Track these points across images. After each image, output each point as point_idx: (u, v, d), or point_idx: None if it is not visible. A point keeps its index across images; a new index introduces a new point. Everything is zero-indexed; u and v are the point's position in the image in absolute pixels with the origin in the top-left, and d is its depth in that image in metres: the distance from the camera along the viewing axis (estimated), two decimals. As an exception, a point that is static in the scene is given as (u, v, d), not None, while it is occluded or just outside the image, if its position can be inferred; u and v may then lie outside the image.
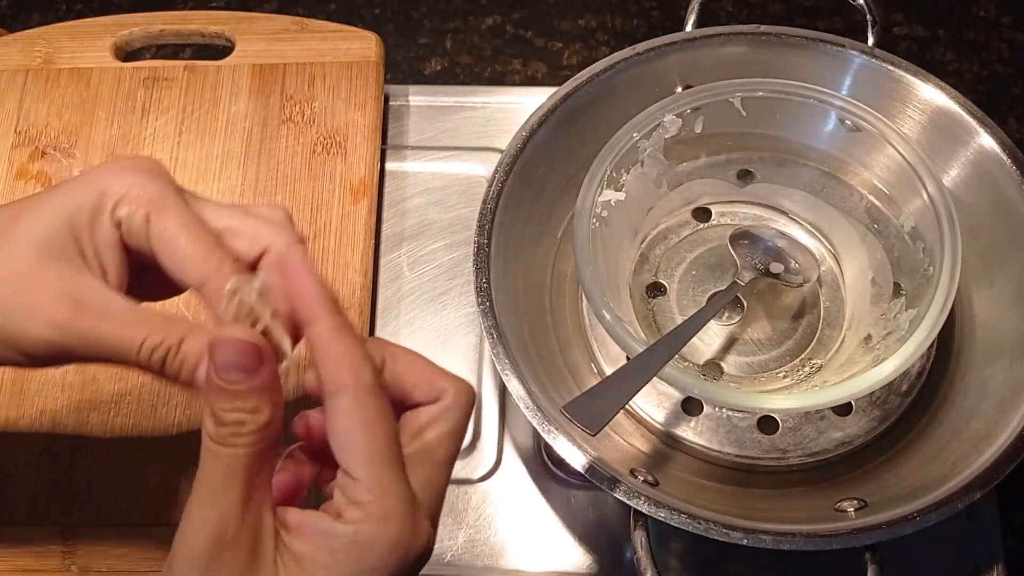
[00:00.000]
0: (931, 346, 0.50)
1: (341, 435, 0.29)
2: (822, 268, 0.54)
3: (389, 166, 0.60)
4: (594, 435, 0.35)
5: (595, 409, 0.34)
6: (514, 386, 0.45)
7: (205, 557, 0.28)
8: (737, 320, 0.53)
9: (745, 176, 0.55)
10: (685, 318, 0.53)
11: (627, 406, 0.51)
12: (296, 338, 0.31)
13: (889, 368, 0.42)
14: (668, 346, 0.43)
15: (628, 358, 0.51)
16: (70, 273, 0.31)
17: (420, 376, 0.32)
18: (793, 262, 0.52)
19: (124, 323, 0.31)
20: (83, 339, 0.31)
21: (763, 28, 0.53)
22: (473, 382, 0.54)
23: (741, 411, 0.50)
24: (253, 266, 0.33)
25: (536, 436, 0.52)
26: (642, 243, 0.55)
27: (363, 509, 0.28)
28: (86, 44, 0.60)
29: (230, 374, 0.28)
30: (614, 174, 0.48)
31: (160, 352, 0.31)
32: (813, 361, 0.51)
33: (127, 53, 0.61)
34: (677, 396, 0.50)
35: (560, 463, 0.52)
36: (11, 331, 0.31)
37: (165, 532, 0.48)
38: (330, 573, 0.28)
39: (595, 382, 0.52)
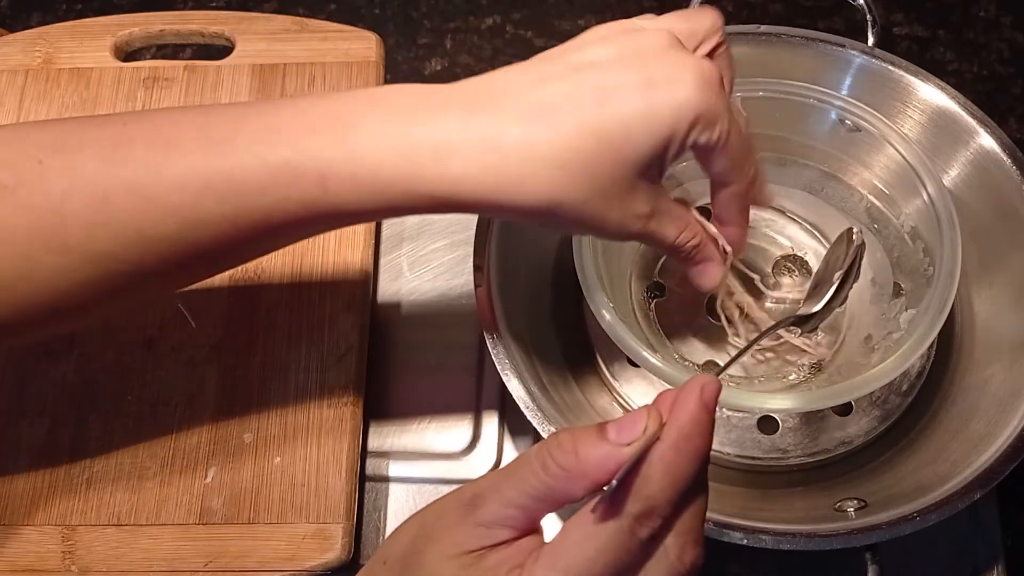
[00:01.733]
0: (931, 346, 0.50)
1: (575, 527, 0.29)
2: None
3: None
4: None
5: None
6: (514, 386, 0.45)
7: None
8: (737, 319, 0.52)
9: (745, 176, 0.55)
10: (685, 318, 0.53)
11: (627, 405, 0.51)
12: None
13: (889, 368, 0.42)
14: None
15: (628, 358, 0.51)
16: (653, 188, 0.37)
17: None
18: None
19: (676, 223, 0.40)
20: (648, 233, 0.38)
21: (763, 28, 0.53)
22: (473, 382, 0.54)
23: (741, 411, 0.50)
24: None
25: (536, 436, 0.52)
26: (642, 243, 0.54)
27: None
28: (86, 44, 0.60)
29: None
30: (614, 174, 0.48)
31: (690, 244, 0.41)
32: (813, 361, 0.51)
33: (127, 53, 0.61)
34: (677, 396, 0.50)
35: (560, 463, 0.52)
36: (607, 223, 0.37)
37: (165, 532, 0.48)
38: None
39: (595, 382, 0.52)
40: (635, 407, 0.50)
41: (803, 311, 0.46)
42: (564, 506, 0.30)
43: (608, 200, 0.36)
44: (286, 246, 0.38)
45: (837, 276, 0.45)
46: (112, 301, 0.37)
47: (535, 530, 0.31)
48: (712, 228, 0.43)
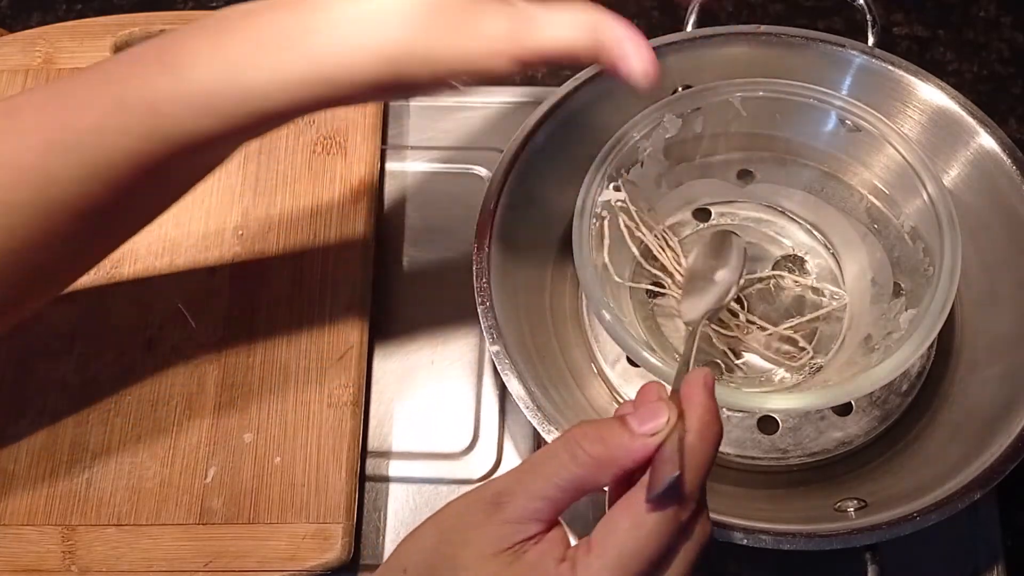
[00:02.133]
0: (931, 346, 0.50)
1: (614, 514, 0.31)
2: (817, 270, 0.54)
3: (389, 166, 0.60)
4: None
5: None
6: (514, 386, 0.45)
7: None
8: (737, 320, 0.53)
9: (745, 176, 0.55)
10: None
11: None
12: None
13: (889, 368, 0.42)
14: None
15: (628, 358, 0.51)
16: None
17: None
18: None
19: (560, 22, 0.35)
20: (527, 53, 0.34)
21: (763, 28, 0.53)
22: (473, 382, 0.54)
23: (741, 411, 0.50)
24: None
25: (536, 436, 0.52)
26: (642, 242, 0.54)
27: (559, 571, 0.30)
28: (86, 44, 0.60)
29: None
30: (614, 174, 0.48)
31: (595, 40, 0.35)
32: (813, 361, 0.51)
33: (127, 53, 0.61)
34: (677, 396, 0.50)
35: (560, 463, 0.52)
36: (455, 59, 0.34)
37: (165, 532, 0.48)
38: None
39: (595, 382, 0.52)
40: (635, 407, 0.50)
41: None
42: (587, 495, 0.31)
43: (449, 35, 0.34)
44: (168, 198, 0.39)
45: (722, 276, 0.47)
46: (16, 286, 0.37)
47: (557, 523, 0.32)
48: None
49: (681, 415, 0.31)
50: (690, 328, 0.46)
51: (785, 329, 0.51)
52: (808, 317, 0.52)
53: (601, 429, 0.31)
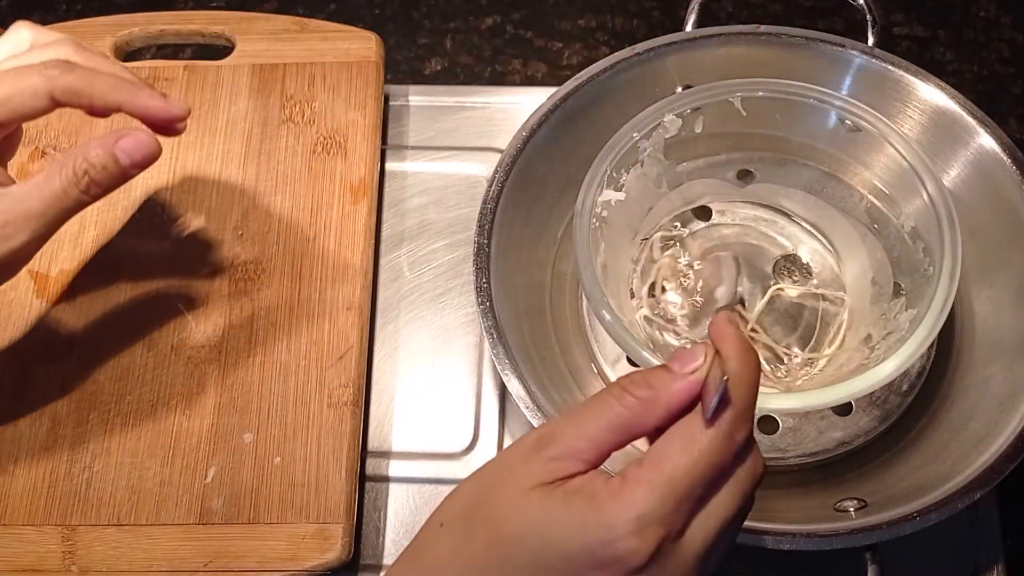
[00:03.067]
0: (931, 346, 0.50)
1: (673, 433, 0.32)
2: (817, 270, 0.54)
3: (389, 166, 0.60)
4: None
5: None
6: (514, 386, 0.45)
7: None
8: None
9: (745, 176, 0.55)
10: (685, 318, 0.53)
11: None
12: None
13: (889, 368, 0.42)
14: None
15: (628, 358, 0.51)
16: None
17: None
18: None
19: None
20: None
21: (763, 28, 0.53)
22: (473, 382, 0.54)
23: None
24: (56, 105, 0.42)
25: (536, 436, 0.52)
26: (642, 243, 0.54)
27: (609, 487, 0.31)
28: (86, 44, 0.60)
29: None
30: (614, 174, 0.48)
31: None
32: (813, 361, 0.51)
33: (127, 53, 0.61)
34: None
35: (560, 463, 0.52)
36: None
37: (165, 532, 0.48)
38: (555, 514, 0.31)
39: (595, 382, 0.52)
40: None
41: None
42: (632, 441, 0.32)
43: None
44: None
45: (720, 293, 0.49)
46: None
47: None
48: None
49: (717, 353, 0.32)
50: None
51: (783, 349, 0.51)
52: (807, 353, 0.52)
53: (646, 374, 0.33)
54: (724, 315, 0.34)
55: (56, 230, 0.42)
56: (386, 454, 0.53)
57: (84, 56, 0.43)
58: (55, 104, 0.41)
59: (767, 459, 0.49)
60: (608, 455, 0.32)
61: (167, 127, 0.43)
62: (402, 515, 0.52)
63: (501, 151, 0.51)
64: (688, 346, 0.39)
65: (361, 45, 0.60)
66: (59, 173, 0.41)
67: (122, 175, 0.42)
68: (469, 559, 0.32)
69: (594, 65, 0.52)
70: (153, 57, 0.64)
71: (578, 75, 0.52)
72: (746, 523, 0.41)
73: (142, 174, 0.56)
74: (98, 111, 0.42)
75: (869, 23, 0.54)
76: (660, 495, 0.30)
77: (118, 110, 0.42)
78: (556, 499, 0.31)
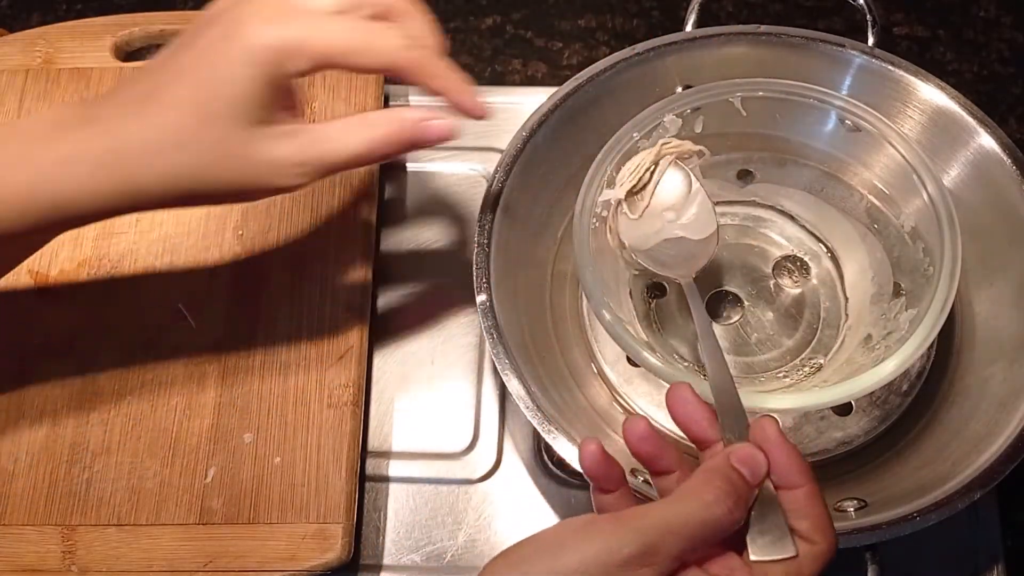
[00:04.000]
0: (931, 346, 0.50)
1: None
2: (817, 270, 0.54)
3: (389, 166, 0.60)
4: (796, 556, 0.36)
5: (773, 535, 0.35)
6: (514, 386, 0.45)
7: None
8: (737, 320, 0.53)
9: (745, 176, 0.55)
10: (685, 318, 0.53)
11: (627, 405, 0.51)
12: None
13: (889, 368, 0.42)
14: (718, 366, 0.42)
15: (628, 358, 0.51)
16: (281, 130, 0.38)
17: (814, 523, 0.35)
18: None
19: (347, 136, 0.39)
20: (319, 168, 0.39)
21: (763, 28, 0.53)
22: (473, 382, 0.54)
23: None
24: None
25: (536, 436, 0.52)
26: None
27: None
28: (86, 44, 0.60)
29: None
30: (614, 174, 0.48)
31: (387, 142, 0.39)
32: (813, 361, 0.51)
33: (127, 53, 0.61)
34: (677, 396, 0.50)
35: (560, 463, 0.52)
36: (250, 181, 0.38)
37: (165, 532, 0.48)
38: None
39: (595, 382, 0.52)
40: (635, 407, 0.50)
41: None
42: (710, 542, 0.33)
43: (231, 162, 0.37)
44: None
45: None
46: None
47: None
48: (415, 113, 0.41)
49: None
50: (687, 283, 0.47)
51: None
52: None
53: (729, 478, 0.34)
54: (772, 431, 0.36)
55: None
56: (386, 454, 0.53)
57: (434, 39, 0.41)
58: (384, 71, 0.40)
59: (767, 459, 0.49)
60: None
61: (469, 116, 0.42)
62: (402, 515, 0.52)
63: (501, 151, 0.51)
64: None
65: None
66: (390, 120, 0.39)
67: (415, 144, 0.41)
68: None
69: (594, 65, 0.52)
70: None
71: (578, 75, 0.52)
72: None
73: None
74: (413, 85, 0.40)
75: (869, 23, 0.54)
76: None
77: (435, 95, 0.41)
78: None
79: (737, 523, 0.33)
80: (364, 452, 0.52)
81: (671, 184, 0.49)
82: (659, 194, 0.49)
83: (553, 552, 0.32)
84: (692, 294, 0.46)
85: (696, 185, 0.49)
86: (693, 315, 0.44)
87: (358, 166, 0.40)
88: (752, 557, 0.33)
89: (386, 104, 0.61)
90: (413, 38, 0.39)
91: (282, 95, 0.38)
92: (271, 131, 0.38)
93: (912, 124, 0.52)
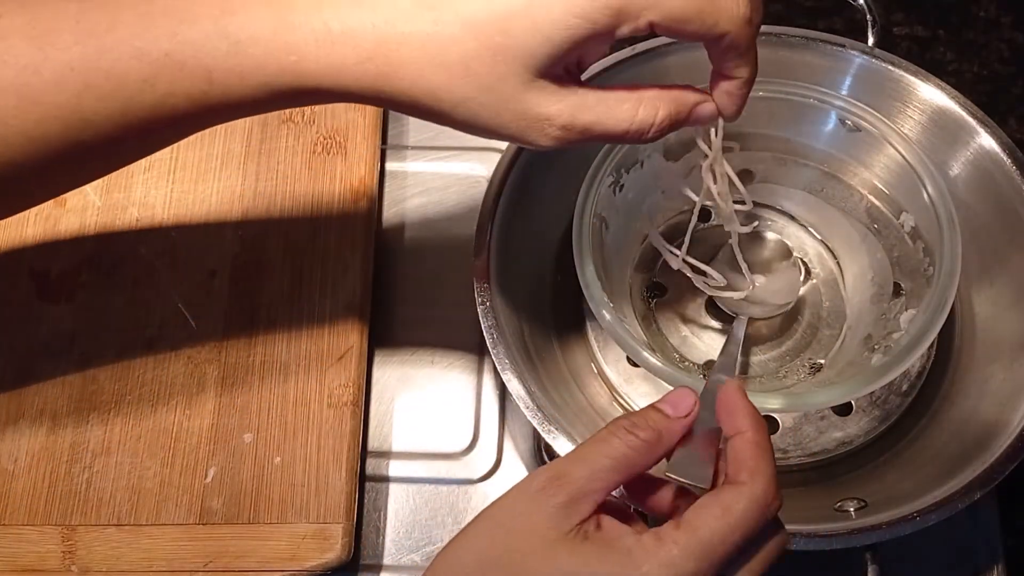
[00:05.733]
0: (931, 346, 0.50)
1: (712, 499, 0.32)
2: (817, 270, 0.54)
3: (389, 166, 0.60)
4: (708, 489, 0.36)
5: (696, 463, 0.35)
6: (514, 386, 0.45)
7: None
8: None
9: (745, 176, 0.55)
10: (685, 319, 0.53)
11: (627, 405, 0.51)
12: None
13: (889, 368, 0.42)
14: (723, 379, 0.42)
15: (628, 358, 0.51)
16: (563, 88, 0.35)
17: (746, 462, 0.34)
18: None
19: (617, 110, 0.36)
20: (577, 135, 0.36)
21: (763, 28, 0.53)
22: (473, 382, 0.54)
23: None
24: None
25: (536, 436, 0.52)
26: (642, 243, 0.55)
27: (643, 544, 0.32)
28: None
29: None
30: (614, 174, 0.48)
31: (655, 122, 0.37)
32: (813, 361, 0.51)
33: (127, 53, 0.61)
34: (677, 396, 0.50)
35: (560, 463, 0.52)
36: (501, 126, 0.35)
37: (165, 532, 0.48)
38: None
39: (595, 382, 0.52)
40: (635, 407, 0.50)
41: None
42: (628, 479, 0.33)
43: (494, 101, 0.35)
44: (183, 138, 0.38)
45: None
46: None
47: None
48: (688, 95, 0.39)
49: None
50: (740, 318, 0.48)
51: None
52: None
53: (646, 416, 0.34)
54: (732, 386, 0.35)
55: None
56: (386, 454, 0.53)
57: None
58: (717, 40, 0.36)
59: (767, 459, 0.49)
60: (609, 493, 0.33)
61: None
62: (402, 515, 0.52)
63: (501, 151, 0.51)
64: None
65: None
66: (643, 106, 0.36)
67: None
68: None
69: (594, 65, 0.52)
70: (153, 57, 0.64)
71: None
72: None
73: (142, 174, 0.57)
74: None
75: (869, 23, 0.54)
76: (696, 558, 0.31)
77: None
78: (588, 553, 0.31)
79: (646, 455, 0.33)
80: (364, 452, 0.52)
81: (770, 248, 0.52)
82: (757, 254, 0.52)
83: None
84: (739, 327, 0.48)
85: (794, 258, 0.52)
86: (728, 341, 0.46)
87: (621, 142, 0.39)
88: (666, 472, 0.34)
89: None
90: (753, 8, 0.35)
91: (590, 55, 0.36)
92: (550, 86, 0.35)
93: (912, 124, 0.52)
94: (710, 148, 0.42)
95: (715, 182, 0.44)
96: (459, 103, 0.35)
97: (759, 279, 0.51)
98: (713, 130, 0.42)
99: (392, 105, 0.36)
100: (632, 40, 0.56)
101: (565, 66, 0.35)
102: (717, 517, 0.31)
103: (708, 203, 0.46)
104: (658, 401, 0.35)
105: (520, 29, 0.33)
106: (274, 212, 0.56)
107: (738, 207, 0.47)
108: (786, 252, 0.51)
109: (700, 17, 0.34)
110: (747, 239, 0.51)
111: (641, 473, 0.34)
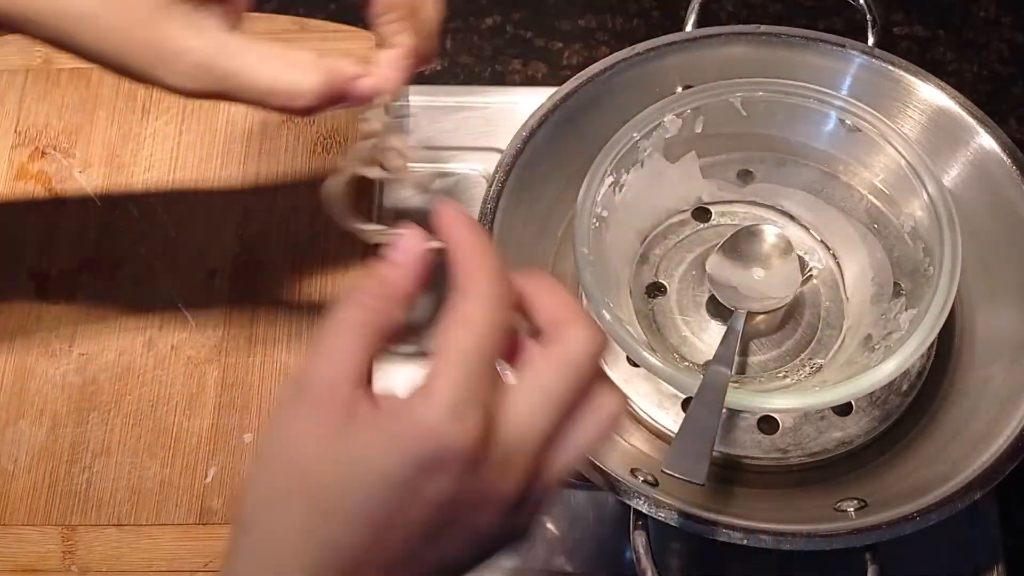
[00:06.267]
0: (931, 346, 0.50)
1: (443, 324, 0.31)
2: (820, 266, 0.54)
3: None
4: (703, 485, 0.35)
5: (691, 459, 0.34)
6: (514, 386, 0.45)
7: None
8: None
9: (745, 176, 0.55)
10: (685, 318, 0.53)
11: (627, 405, 0.51)
12: None
13: (889, 368, 0.42)
14: (721, 370, 0.42)
15: (628, 358, 0.51)
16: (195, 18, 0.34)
17: (549, 313, 0.32)
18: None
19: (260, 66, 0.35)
20: (235, 86, 0.35)
21: (763, 28, 0.53)
22: (473, 382, 0.54)
23: (741, 411, 0.50)
24: None
25: (536, 436, 0.52)
26: (642, 243, 0.55)
27: (407, 398, 0.29)
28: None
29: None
30: (614, 174, 0.48)
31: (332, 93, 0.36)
32: (813, 361, 0.51)
33: (127, 53, 0.61)
34: (678, 396, 0.50)
35: (560, 463, 0.52)
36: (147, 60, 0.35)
37: (165, 532, 0.48)
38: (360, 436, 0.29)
39: (595, 382, 0.52)
40: (636, 407, 0.50)
41: None
42: (389, 342, 0.31)
43: (124, 21, 0.34)
44: None
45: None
46: None
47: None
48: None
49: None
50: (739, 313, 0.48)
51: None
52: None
53: (370, 276, 0.32)
54: (447, 207, 0.33)
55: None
56: (386, 454, 0.53)
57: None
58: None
59: (767, 459, 0.49)
60: (371, 363, 0.31)
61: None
62: (402, 515, 0.51)
63: (501, 151, 0.51)
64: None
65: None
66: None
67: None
68: (306, 532, 0.29)
69: (594, 65, 0.52)
70: (153, 57, 0.64)
71: (578, 75, 0.52)
72: (746, 523, 0.42)
73: (143, 174, 0.57)
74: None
75: (869, 23, 0.54)
76: (461, 376, 0.29)
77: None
78: (358, 433, 0.29)
79: (385, 311, 0.32)
80: (364, 452, 0.52)
81: (770, 242, 0.51)
82: (757, 248, 0.51)
83: None
84: (737, 320, 0.47)
85: (794, 254, 0.51)
86: (727, 334, 0.46)
87: (264, 106, 0.36)
88: (662, 469, 0.34)
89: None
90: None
91: None
92: (190, 14, 0.34)
93: (912, 124, 0.52)
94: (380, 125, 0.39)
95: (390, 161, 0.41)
96: (84, 16, 0.34)
97: (758, 272, 0.51)
98: (383, 108, 0.38)
99: (36, 28, 0.35)
100: (632, 39, 0.56)
101: None
102: (461, 332, 0.30)
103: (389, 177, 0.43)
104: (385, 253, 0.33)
105: None
106: (274, 212, 0.56)
107: (424, 167, 0.44)
108: (786, 246, 0.51)
109: None
110: (746, 233, 0.51)
111: (392, 328, 0.32)
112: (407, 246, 0.33)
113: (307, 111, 0.36)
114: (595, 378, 0.31)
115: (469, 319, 0.30)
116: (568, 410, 0.30)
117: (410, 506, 0.29)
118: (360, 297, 0.31)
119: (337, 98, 0.36)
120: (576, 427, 0.30)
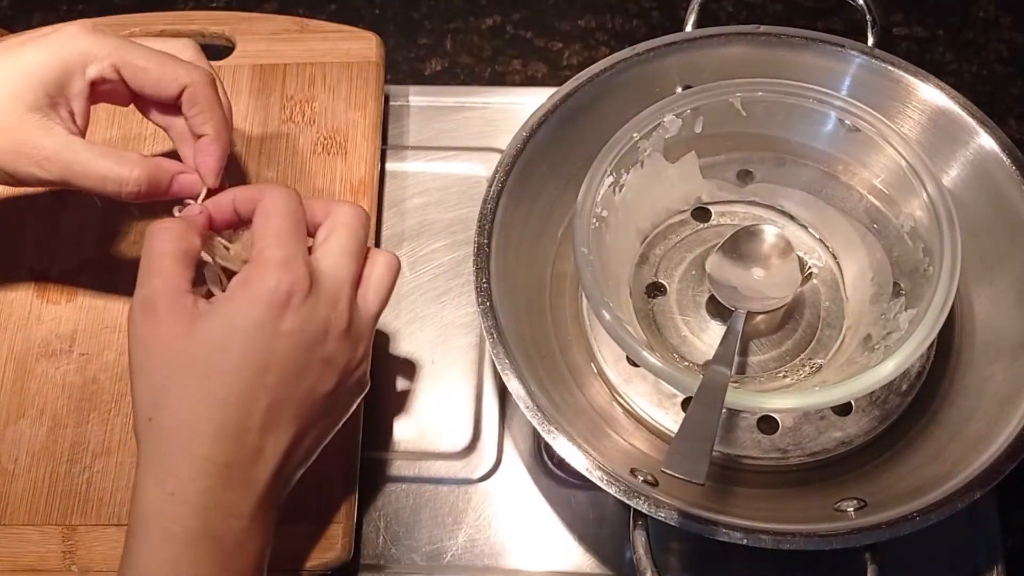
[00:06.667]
0: (931, 346, 0.50)
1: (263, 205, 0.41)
2: (819, 265, 0.54)
3: (389, 166, 0.60)
4: (703, 484, 0.36)
5: (691, 459, 0.34)
6: (514, 386, 0.45)
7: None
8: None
9: (745, 176, 0.56)
10: (685, 318, 0.53)
11: (627, 405, 0.51)
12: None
13: (889, 368, 0.42)
14: (720, 370, 0.42)
15: (628, 358, 0.51)
16: (48, 123, 0.42)
17: (322, 207, 0.43)
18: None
19: (97, 160, 0.42)
20: (69, 175, 0.42)
21: (763, 28, 0.53)
22: (473, 382, 0.54)
23: (741, 411, 0.50)
24: (177, 99, 0.44)
25: (536, 436, 0.53)
26: (642, 243, 0.55)
27: (243, 273, 0.40)
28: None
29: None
30: (614, 174, 0.48)
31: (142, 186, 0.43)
32: (813, 361, 0.51)
33: (127, 53, 0.61)
34: (678, 396, 0.50)
35: (560, 463, 0.52)
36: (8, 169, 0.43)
37: (165, 532, 0.48)
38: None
39: (596, 383, 0.52)
40: (635, 407, 0.50)
41: None
42: (190, 259, 0.40)
43: (2, 134, 0.41)
44: None
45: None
46: None
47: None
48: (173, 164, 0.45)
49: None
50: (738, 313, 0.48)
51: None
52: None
53: (167, 218, 0.42)
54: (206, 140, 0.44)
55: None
56: (386, 454, 0.53)
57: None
58: (167, 98, 0.44)
59: (767, 459, 0.49)
60: (193, 269, 0.40)
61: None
62: (402, 515, 0.52)
63: (501, 151, 0.51)
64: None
65: (361, 45, 0.60)
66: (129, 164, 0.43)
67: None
68: (202, 400, 0.37)
69: (594, 65, 0.53)
70: (153, 57, 0.64)
71: (578, 75, 0.52)
72: (746, 523, 0.42)
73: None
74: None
75: (869, 23, 0.54)
76: (280, 244, 0.39)
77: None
78: (212, 313, 0.38)
79: (185, 238, 0.40)
80: (364, 452, 0.52)
81: (770, 242, 0.51)
82: (757, 248, 0.51)
83: None
84: (737, 320, 0.47)
85: (793, 254, 0.51)
86: (727, 334, 0.46)
87: (102, 192, 0.43)
88: (661, 468, 0.37)
89: (386, 103, 0.61)
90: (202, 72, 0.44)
91: (68, 98, 0.42)
92: (44, 122, 0.42)
93: (912, 124, 0.52)
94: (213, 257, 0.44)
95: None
96: None
97: (758, 272, 0.51)
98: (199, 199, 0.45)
99: None
100: (632, 39, 0.57)
101: (54, 105, 0.42)
102: (269, 212, 0.40)
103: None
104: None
105: (10, 71, 0.41)
106: (274, 212, 0.56)
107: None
108: (785, 246, 0.51)
109: (161, 68, 0.43)
110: (746, 233, 0.51)
111: (195, 252, 0.40)
112: (194, 182, 0.44)
113: (135, 197, 0.43)
114: (367, 242, 0.43)
115: (274, 210, 0.40)
116: (360, 259, 0.42)
117: (274, 344, 0.38)
118: (169, 230, 0.40)
119: (161, 188, 0.44)
120: (372, 271, 0.42)
